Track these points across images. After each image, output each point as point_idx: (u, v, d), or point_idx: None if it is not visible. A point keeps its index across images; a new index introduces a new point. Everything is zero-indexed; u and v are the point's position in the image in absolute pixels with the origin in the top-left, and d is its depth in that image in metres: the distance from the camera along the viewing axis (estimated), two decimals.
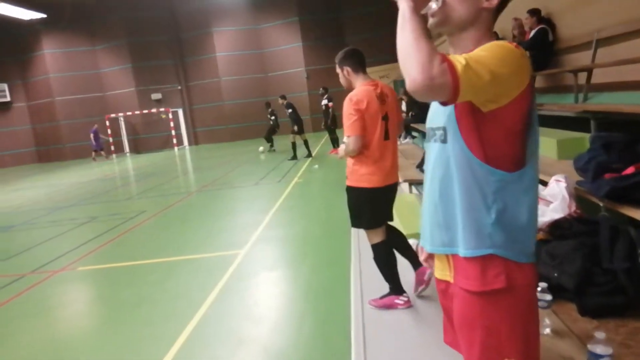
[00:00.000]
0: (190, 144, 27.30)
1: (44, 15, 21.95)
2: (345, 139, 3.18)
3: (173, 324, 3.64)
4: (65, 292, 4.81)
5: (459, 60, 1.18)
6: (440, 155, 1.42)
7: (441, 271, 1.50)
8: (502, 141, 1.33)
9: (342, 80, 3.31)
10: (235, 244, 5.70)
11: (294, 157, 13.52)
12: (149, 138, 26.65)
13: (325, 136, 18.56)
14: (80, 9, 24.81)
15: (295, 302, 3.78)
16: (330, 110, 13.98)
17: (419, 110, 11.06)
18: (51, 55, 26.28)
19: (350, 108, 3.09)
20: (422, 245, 1.59)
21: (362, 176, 3.19)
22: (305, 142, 13.74)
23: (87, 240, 6.79)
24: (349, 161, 3.25)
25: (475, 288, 1.35)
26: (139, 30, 26.06)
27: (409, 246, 3.67)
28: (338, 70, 3.28)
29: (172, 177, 13.86)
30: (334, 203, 7.35)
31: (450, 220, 1.41)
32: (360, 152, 3.16)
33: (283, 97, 14.63)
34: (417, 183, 5.77)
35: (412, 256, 3.67)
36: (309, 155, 13.70)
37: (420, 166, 6.65)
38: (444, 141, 1.40)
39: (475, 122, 1.32)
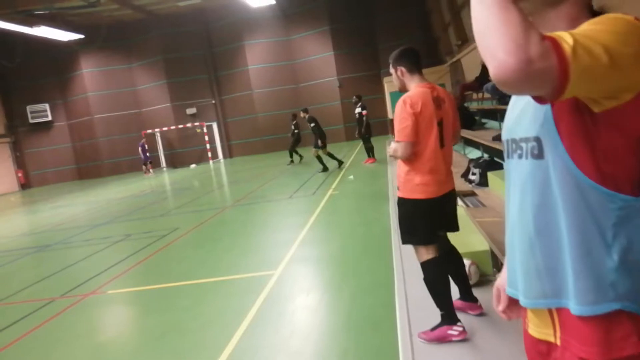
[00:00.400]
0: (225, 156, 27.44)
1: (82, 36, 22.55)
2: (393, 144, 2.86)
3: (202, 357, 3.32)
4: (92, 318, 4.59)
5: (563, 37, 0.81)
6: (533, 175, 1.04)
7: (540, 329, 1.11)
8: (623, 153, 0.94)
9: (395, 81, 3.04)
10: (268, 263, 5.38)
11: (325, 169, 13.16)
12: (184, 152, 26.96)
13: (359, 145, 18.15)
14: (116, 28, 25.46)
15: (336, 334, 3.39)
16: (364, 118, 13.58)
17: (460, 116, 10.51)
18: (89, 75, 27.05)
19: (403, 111, 2.78)
20: (510, 294, 1.20)
21: (416, 186, 2.86)
22: (330, 155, 13.34)
23: (119, 261, 6.62)
24: (401, 170, 2.92)
25: (598, 356, 0.97)
26: (173, 47, 26.53)
27: (464, 271, 3.25)
28: (392, 70, 3.02)
29: (207, 192, 13.76)
30: (372, 217, 6.94)
31: (555, 263, 1.03)
32: (414, 160, 2.84)
33: (305, 111, 14.27)
34: (464, 194, 5.31)
35: (464, 283, 3.25)
36: (340, 163, 13.30)
37: (465, 176, 6.18)
38: (539, 156, 1.01)
39: (583, 128, 0.94)
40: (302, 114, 14.05)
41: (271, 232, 7.26)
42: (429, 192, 2.87)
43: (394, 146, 2.86)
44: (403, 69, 2.95)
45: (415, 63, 2.96)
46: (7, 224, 13.21)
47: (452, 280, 3.23)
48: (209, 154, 26.05)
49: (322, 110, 25.85)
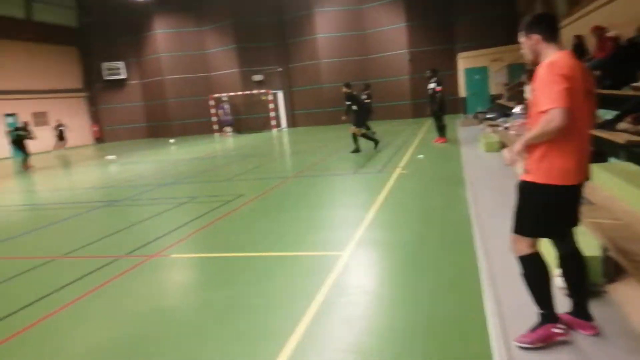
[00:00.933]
0: (288, 126, 27.35)
1: None
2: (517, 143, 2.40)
3: (267, 343, 3.06)
4: (154, 283, 4.48)
5: None
6: None
7: None
8: None
9: (526, 51, 2.59)
10: (335, 243, 5.05)
11: (376, 143, 12.54)
12: (249, 119, 27.10)
13: (429, 122, 17.35)
14: None
15: (415, 336, 3.00)
16: (438, 94, 12.77)
17: None
18: (162, 35, 27.59)
19: (551, 74, 2.32)
20: None
21: (556, 170, 2.42)
22: (355, 137, 12.59)
23: (183, 223, 6.55)
24: (537, 150, 2.46)
25: None
26: (243, 12, 26.42)
27: (585, 281, 2.75)
28: (523, 39, 2.58)
29: (270, 160, 13.65)
30: (448, 202, 6.42)
31: None
32: (559, 137, 2.36)
33: (347, 86, 12.78)
34: None
35: (581, 296, 2.74)
36: (357, 150, 12.47)
37: None
38: None
39: None
40: (344, 89, 12.98)
41: (336, 208, 6.93)
42: (568, 178, 2.44)
43: (544, 120, 2.32)
44: (538, 36, 2.52)
45: (553, 30, 2.54)
46: (81, 175, 13.77)
47: (568, 289, 2.75)
48: (273, 122, 26.05)
49: (390, 84, 25.00)
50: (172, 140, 22.41)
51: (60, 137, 23.07)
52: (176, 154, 17.25)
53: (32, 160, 16.86)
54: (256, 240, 5.49)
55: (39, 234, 6.82)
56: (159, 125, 28.71)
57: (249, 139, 21.64)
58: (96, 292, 4.23)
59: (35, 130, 19.05)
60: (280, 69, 27.12)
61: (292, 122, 27.57)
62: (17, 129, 16.83)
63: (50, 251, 5.73)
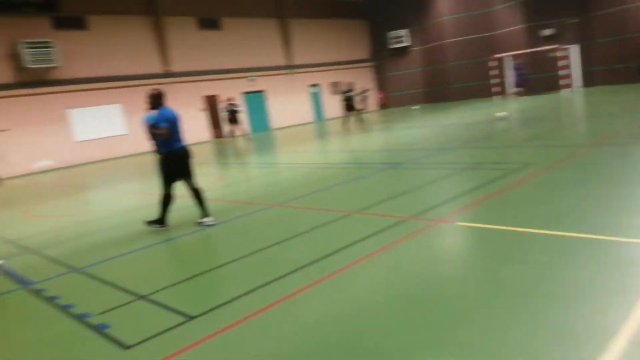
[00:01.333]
0: (585, 85, 23.67)
1: None
2: None
3: (576, 342, 2.58)
4: (439, 249, 4.41)
5: None
6: None
7: None
8: None
9: None
10: None
11: None
12: (534, 78, 24.58)
13: None
14: None
15: None
16: None
17: None
18: None
19: None
20: None
21: None
22: None
23: (467, 190, 6.32)
24: None
25: None
26: None
27: None
28: None
29: (560, 125, 12.06)
30: None
31: None
32: None
33: None
34: None
35: None
36: None
37: None
38: None
39: None
40: None
41: None
42: None
43: None
44: None
45: None
46: (369, 139, 15.01)
47: None
48: (564, 82, 22.95)
49: None
50: (415, 107, 22.25)
51: (365, 101, 25.78)
52: (456, 118, 17.00)
53: (332, 124, 18.98)
54: (554, 217, 4.82)
55: (338, 189, 7.67)
56: (437, 90, 28.92)
57: (535, 101, 19.66)
58: (384, 251, 4.42)
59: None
60: (575, 20, 23.44)
61: (589, 81, 23.70)
62: (345, 92, 18.43)
63: (346, 206, 6.34)
